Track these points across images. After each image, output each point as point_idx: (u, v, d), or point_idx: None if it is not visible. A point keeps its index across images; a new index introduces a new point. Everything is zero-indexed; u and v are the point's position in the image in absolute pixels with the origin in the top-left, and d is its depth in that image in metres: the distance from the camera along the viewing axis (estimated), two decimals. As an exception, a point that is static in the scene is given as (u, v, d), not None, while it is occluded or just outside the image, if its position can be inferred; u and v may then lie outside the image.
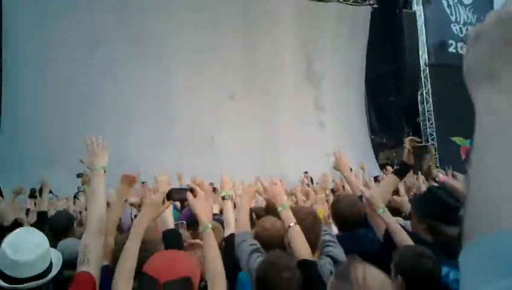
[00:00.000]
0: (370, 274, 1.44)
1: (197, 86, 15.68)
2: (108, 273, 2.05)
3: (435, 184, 3.08)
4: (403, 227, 2.58)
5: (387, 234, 2.49)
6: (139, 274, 1.69)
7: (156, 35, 15.05)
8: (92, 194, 2.17)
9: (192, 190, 2.13)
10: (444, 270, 2.17)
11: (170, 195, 2.14)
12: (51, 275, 1.83)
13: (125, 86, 14.71)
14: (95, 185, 2.18)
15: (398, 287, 1.94)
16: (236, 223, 2.82)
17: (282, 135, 16.76)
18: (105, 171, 2.27)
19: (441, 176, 3.06)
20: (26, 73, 13.82)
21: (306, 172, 14.95)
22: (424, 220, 2.54)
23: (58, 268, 1.87)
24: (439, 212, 2.44)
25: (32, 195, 12.16)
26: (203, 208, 2.12)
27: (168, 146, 14.67)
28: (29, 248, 1.78)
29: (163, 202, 2.12)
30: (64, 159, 13.21)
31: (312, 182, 12.59)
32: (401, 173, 3.13)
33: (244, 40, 16.40)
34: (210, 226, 2.05)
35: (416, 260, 1.96)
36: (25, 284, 1.74)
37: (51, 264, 1.85)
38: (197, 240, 2.59)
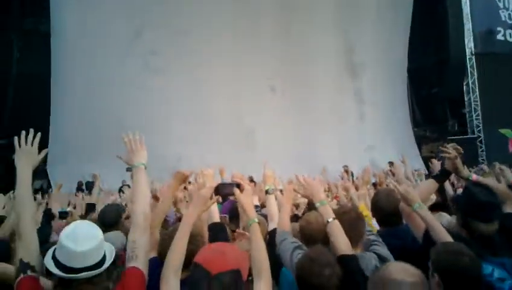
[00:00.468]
0: (394, 264, 1.57)
1: (237, 79, 15.71)
2: (157, 265, 2.12)
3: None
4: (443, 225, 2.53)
5: (427, 233, 2.44)
6: (191, 265, 1.75)
7: (194, 27, 15.14)
8: (135, 191, 2.23)
9: (238, 185, 2.17)
10: (488, 268, 2.10)
11: (218, 190, 2.19)
12: (105, 265, 1.89)
13: (165, 79, 14.94)
14: (137, 181, 2.24)
15: (435, 285, 1.91)
16: (278, 223, 2.83)
17: (322, 128, 16.57)
18: (145, 168, 2.32)
19: (474, 176, 2.96)
20: (73, 67, 14.32)
21: (346, 166, 14.77)
22: (460, 217, 2.53)
23: (112, 259, 1.94)
24: (472, 209, 2.41)
25: (80, 188, 12.71)
26: (249, 202, 2.17)
27: (208, 140, 14.83)
28: (86, 238, 1.85)
29: (211, 197, 2.18)
30: (109, 153, 13.64)
31: (352, 176, 12.41)
32: (440, 179, 3.00)
33: (283, 31, 16.28)
34: (256, 220, 2.09)
35: (453, 258, 1.92)
36: (80, 274, 1.80)
37: (104, 255, 1.92)
38: (245, 232, 2.62)
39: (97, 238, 1.89)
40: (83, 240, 1.84)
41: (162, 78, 14.94)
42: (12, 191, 4.55)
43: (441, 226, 2.42)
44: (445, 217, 3.57)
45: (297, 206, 4.84)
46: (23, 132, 2.24)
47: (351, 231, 2.36)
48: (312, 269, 2.04)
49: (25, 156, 2.20)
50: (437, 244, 2.17)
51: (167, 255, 1.98)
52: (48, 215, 4.35)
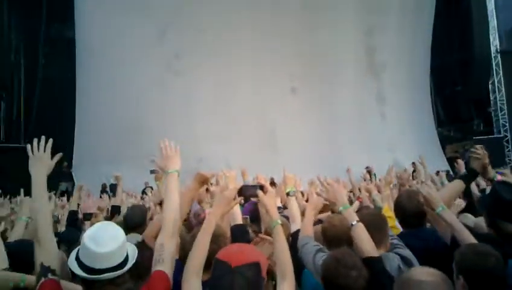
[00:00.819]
0: (418, 267, 1.57)
1: (258, 79, 15.65)
2: (179, 267, 2.14)
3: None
4: (467, 226, 2.51)
5: (454, 236, 2.41)
6: (212, 263, 1.76)
7: (214, 28, 15.15)
8: (167, 197, 2.26)
9: (262, 187, 2.18)
10: None
11: (241, 191, 2.21)
12: (127, 267, 1.90)
13: (187, 80, 15.00)
14: (170, 188, 2.27)
15: (460, 287, 1.90)
16: (300, 229, 2.84)
17: (344, 128, 16.41)
18: (179, 175, 2.36)
19: (499, 176, 2.90)
20: (97, 71, 14.53)
21: (367, 167, 14.61)
22: (487, 217, 2.52)
23: (134, 260, 1.95)
24: (499, 209, 2.39)
25: (104, 190, 12.94)
26: (273, 204, 2.19)
27: (230, 141, 14.86)
28: (108, 239, 1.88)
29: (234, 198, 2.21)
30: (132, 155, 13.82)
31: (375, 177, 12.28)
32: (468, 179, 2.93)
33: (305, 31, 16.14)
34: (279, 222, 2.11)
35: (478, 258, 1.90)
36: (103, 275, 1.83)
37: (127, 257, 1.94)
38: (267, 237, 2.63)
39: (119, 239, 1.91)
40: (105, 241, 1.86)
41: (184, 80, 15.04)
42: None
43: (465, 228, 2.40)
44: (470, 218, 3.51)
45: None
46: (35, 139, 2.28)
47: (374, 233, 2.35)
48: (338, 270, 2.04)
49: (39, 162, 2.24)
50: (461, 246, 2.15)
51: (189, 256, 2.01)
52: (72, 217, 4.42)
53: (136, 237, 3.09)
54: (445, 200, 2.55)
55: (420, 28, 17.83)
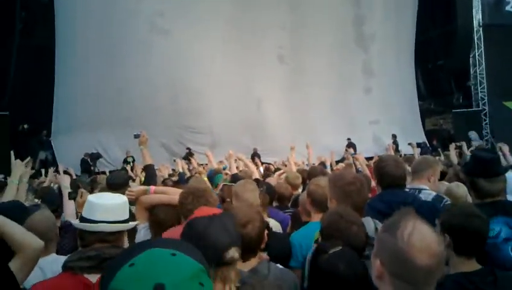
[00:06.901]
0: (418, 232, 1.33)
1: (244, 48, 15.39)
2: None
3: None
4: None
5: None
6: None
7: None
8: None
9: None
10: (496, 229, 2.10)
11: None
12: (122, 226, 1.95)
13: (173, 43, 14.54)
14: None
15: (445, 245, 1.91)
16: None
17: (328, 99, 16.43)
18: None
19: None
20: (76, 35, 14.01)
21: (349, 139, 14.79)
22: (468, 179, 2.65)
23: (133, 226, 2.08)
24: (479, 168, 2.53)
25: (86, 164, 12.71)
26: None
27: (215, 108, 14.75)
28: (111, 196, 2.00)
29: None
30: (113, 121, 13.53)
31: (355, 150, 12.43)
32: None
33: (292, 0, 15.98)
34: None
35: (464, 219, 1.95)
36: (97, 224, 1.85)
37: (127, 221, 1.99)
38: None
39: (122, 199, 2.02)
40: (107, 197, 1.98)
41: (168, 43, 14.52)
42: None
43: None
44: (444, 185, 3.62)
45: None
46: None
47: (357, 198, 2.34)
48: (340, 224, 2.02)
49: None
50: (449, 206, 2.26)
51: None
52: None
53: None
54: None
55: (406, 1, 17.77)
